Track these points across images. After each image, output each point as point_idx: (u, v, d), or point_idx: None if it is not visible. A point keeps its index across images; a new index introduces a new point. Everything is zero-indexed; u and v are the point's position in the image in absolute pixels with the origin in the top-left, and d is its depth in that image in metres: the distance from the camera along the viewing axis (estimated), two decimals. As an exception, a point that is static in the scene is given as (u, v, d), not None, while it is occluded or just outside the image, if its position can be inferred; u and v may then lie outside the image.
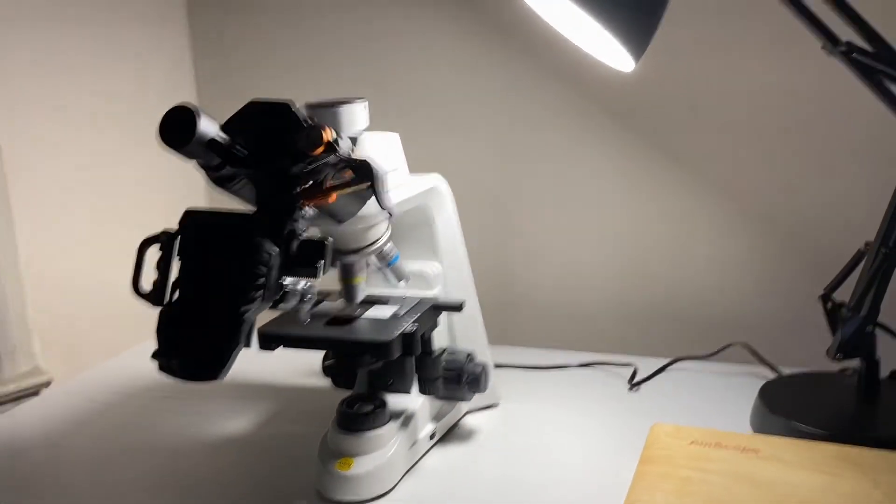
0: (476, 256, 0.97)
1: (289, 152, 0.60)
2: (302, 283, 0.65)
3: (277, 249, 0.59)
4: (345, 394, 0.87)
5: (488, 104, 1.24)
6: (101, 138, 1.33)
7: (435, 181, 0.91)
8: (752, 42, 1.09)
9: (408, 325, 0.79)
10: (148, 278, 0.63)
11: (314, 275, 0.60)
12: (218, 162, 0.64)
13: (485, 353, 0.97)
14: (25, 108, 1.22)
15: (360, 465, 0.80)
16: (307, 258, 0.60)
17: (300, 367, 1.15)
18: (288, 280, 0.63)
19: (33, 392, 1.25)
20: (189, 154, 0.62)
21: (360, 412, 0.82)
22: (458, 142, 1.26)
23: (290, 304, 0.64)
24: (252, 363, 1.14)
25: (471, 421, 0.97)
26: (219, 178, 0.66)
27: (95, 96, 1.32)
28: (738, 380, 1.04)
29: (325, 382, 1.08)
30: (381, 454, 0.81)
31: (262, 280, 0.57)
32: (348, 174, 0.64)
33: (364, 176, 0.61)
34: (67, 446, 0.96)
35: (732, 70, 1.10)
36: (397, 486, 0.82)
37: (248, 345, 0.59)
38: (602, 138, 1.19)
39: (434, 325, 0.86)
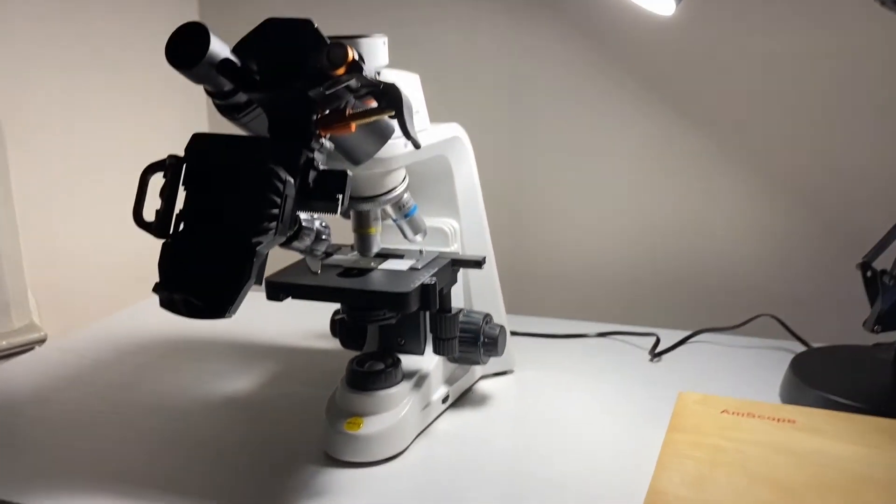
0: (492, 220, 0.92)
1: (308, 73, 0.55)
2: (318, 222, 0.60)
3: (293, 180, 0.54)
4: (353, 355, 0.82)
5: (509, 60, 1.18)
6: (98, 89, 1.28)
7: (455, 130, 0.86)
8: (789, 2, 1.03)
9: (426, 278, 0.75)
10: (150, 208, 0.58)
11: (333, 209, 0.55)
12: (229, 87, 0.59)
13: (501, 317, 0.92)
14: (22, 56, 1.17)
15: (371, 426, 0.76)
16: (326, 190, 0.55)
17: (304, 328, 1.10)
18: (303, 216, 0.58)
19: (27, 348, 1.20)
20: (198, 76, 0.57)
21: (371, 370, 0.78)
22: (475, 97, 1.20)
23: (305, 242, 0.59)
24: (253, 322, 1.10)
25: (484, 386, 0.92)
26: (228, 107, 0.61)
27: (91, 38, 1.26)
28: (764, 353, 1.00)
29: (331, 345, 1.03)
30: (392, 414, 0.77)
31: (276, 210, 0.53)
32: (370, 103, 0.59)
33: (390, 102, 0.56)
34: (61, 401, 0.92)
35: (766, 31, 1.05)
36: (408, 449, 0.78)
37: (258, 282, 0.54)
38: (627, 101, 1.14)
39: (453, 282, 0.82)
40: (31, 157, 1.20)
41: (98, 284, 1.31)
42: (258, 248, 0.52)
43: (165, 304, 0.53)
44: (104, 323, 1.17)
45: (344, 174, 0.55)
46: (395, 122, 0.66)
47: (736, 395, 0.81)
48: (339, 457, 0.76)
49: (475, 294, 0.91)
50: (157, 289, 0.53)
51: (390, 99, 0.56)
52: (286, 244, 0.58)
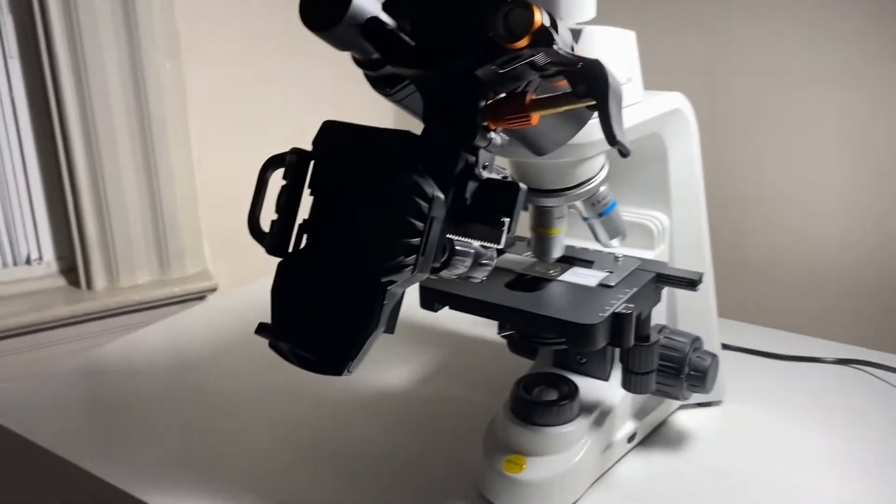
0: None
1: (477, 44, 0.39)
2: (478, 241, 0.45)
3: (443, 195, 0.39)
4: (524, 361, 0.69)
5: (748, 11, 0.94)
6: (276, 43, 1.21)
7: (677, 102, 0.66)
8: None
9: (620, 304, 0.57)
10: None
11: (494, 238, 0.40)
12: (376, 56, 0.44)
13: (713, 340, 0.74)
14: (202, 12, 1.12)
15: (536, 469, 0.62)
16: (486, 211, 0.40)
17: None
18: (456, 239, 0.43)
19: (199, 297, 1.19)
20: (338, 40, 0.43)
21: (541, 400, 0.63)
22: (704, 56, 0.98)
23: (458, 270, 0.44)
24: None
25: (682, 421, 0.75)
26: (380, 80, 0.47)
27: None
28: None
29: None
30: (565, 458, 0.62)
31: (416, 240, 0.38)
32: (561, 85, 0.42)
33: (591, 88, 0.39)
34: (231, 353, 0.88)
35: None
36: (580, 501, 0.63)
37: (389, 330, 0.40)
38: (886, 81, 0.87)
39: (655, 302, 0.64)
40: (210, 108, 1.16)
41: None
42: (389, 289, 0.38)
43: (274, 347, 0.41)
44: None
45: (515, 189, 0.40)
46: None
47: None
48: (494, 500, 0.63)
49: (682, 308, 0.72)
50: (261, 330, 0.41)
51: (592, 84, 0.39)
52: (432, 274, 0.43)
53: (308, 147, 0.43)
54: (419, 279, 0.40)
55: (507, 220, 0.39)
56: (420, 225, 0.38)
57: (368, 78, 0.48)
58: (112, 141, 1.08)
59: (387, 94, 0.48)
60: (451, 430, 0.74)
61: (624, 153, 0.40)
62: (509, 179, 0.42)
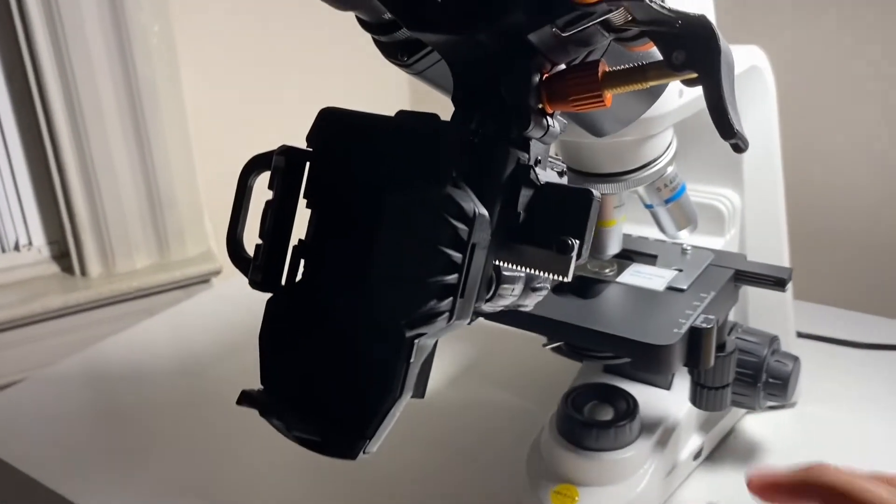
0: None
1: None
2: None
3: (486, 212, 0.28)
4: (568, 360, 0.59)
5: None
6: (275, 11, 1.09)
7: (754, 58, 0.55)
8: None
9: (697, 314, 0.47)
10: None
11: (560, 268, 0.29)
12: (388, 17, 0.34)
13: (789, 333, 0.63)
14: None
15: (591, 502, 0.52)
16: (547, 230, 0.29)
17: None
18: (504, 266, 0.32)
19: (203, 280, 1.10)
20: (338, -4, 0.32)
21: (595, 420, 0.53)
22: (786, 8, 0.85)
23: (505, 301, 0.33)
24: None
25: (751, 427, 0.65)
26: (393, 47, 0.36)
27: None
28: None
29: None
30: (625, 489, 0.53)
31: (451, 277, 0.28)
32: (644, 48, 0.30)
33: (692, 56, 0.27)
34: (244, 348, 0.79)
35: None
36: (642, 535, 0.54)
37: (418, 394, 0.30)
38: None
39: (732, 304, 0.53)
40: (206, 72, 1.05)
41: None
42: (417, 343, 0.28)
43: (266, 416, 0.31)
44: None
45: (587, 199, 0.29)
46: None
47: None
48: (542, 537, 0.53)
49: (755, 300, 0.62)
50: (244, 401, 0.31)
51: (696, 51, 0.27)
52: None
53: (303, 143, 0.33)
54: (457, 328, 0.30)
55: (576, 242, 0.28)
56: (458, 256, 0.27)
57: (378, 44, 0.37)
58: (98, 112, 0.98)
59: (403, 65, 0.37)
60: (483, 445, 0.64)
61: (742, 147, 0.28)
62: (568, 183, 0.31)
